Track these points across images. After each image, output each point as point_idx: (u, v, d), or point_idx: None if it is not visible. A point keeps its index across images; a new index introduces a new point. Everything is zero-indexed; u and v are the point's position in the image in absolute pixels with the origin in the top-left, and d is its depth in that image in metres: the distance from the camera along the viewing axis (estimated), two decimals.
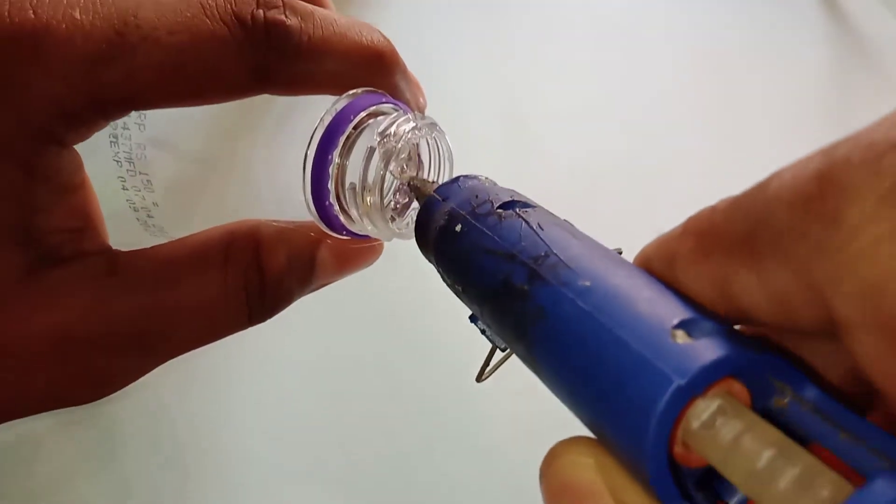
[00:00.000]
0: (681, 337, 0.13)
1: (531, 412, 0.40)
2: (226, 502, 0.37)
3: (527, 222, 0.19)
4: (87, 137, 0.17)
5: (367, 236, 0.21)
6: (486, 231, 0.20)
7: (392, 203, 0.21)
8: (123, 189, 0.22)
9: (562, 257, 0.17)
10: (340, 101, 0.19)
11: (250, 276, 0.19)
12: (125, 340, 0.18)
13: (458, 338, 0.44)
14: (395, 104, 0.20)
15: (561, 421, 0.40)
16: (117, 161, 0.21)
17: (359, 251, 0.22)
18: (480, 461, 0.39)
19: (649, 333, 0.14)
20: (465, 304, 0.22)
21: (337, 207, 0.20)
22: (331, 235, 0.20)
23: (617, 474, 0.14)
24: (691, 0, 0.61)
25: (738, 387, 0.13)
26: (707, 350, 0.13)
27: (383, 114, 0.20)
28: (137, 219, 0.22)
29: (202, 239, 0.19)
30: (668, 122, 0.53)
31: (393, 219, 0.21)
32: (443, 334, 0.42)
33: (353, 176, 0.19)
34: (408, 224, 0.21)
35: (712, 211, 0.16)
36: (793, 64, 0.58)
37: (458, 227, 0.20)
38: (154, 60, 0.16)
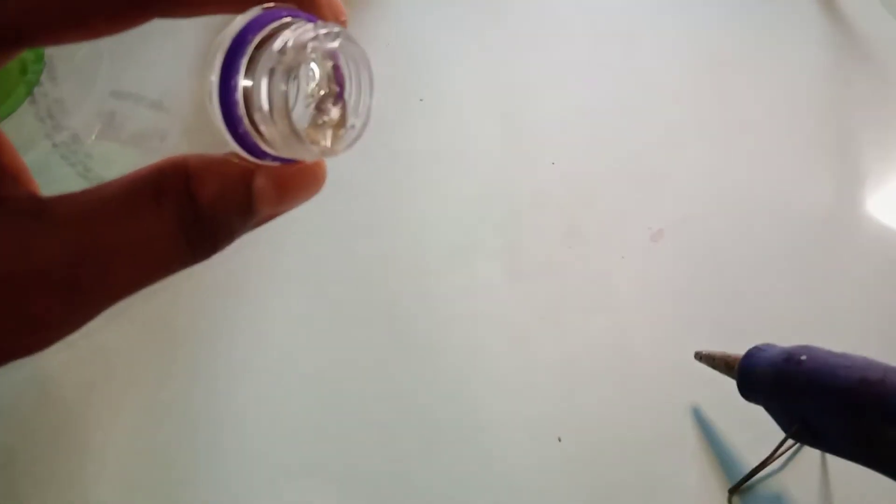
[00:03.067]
0: None
1: (531, 412, 0.40)
2: (226, 501, 0.37)
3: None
4: None
5: (295, 160, 0.21)
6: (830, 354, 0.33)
7: (312, 119, 0.21)
8: (54, 146, 0.21)
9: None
10: (237, 22, 0.18)
11: (183, 208, 0.19)
12: (57, 282, 0.17)
13: (459, 339, 0.44)
14: (302, 16, 0.20)
15: (560, 420, 0.40)
16: (40, 119, 0.21)
17: (298, 177, 0.21)
18: (480, 461, 0.39)
19: None
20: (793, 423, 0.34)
21: (253, 133, 0.19)
22: (259, 163, 0.20)
23: None
24: (690, 1, 0.61)
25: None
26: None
27: (288, 27, 0.19)
28: (78, 174, 0.22)
29: (131, 177, 0.19)
30: (666, 123, 0.53)
31: (315, 139, 0.20)
32: (443, 335, 0.42)
33: (259, 99, 0.18)
34: (332, 138, 0.21)
35: None
36: (791, 64, 0.58)
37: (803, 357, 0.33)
38: None
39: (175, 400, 0.39)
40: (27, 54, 0.39)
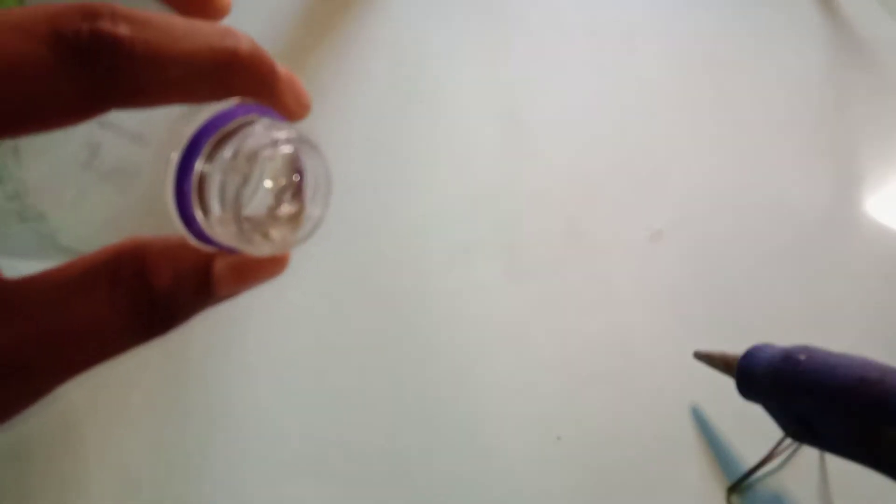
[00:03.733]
0: None
1: (531, 411, 0.40)
2: (226, 499, 0.37)
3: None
4: None
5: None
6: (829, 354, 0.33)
7: (269, 210, 0.21)
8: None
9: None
10: (195, 121, 0.19)
11: (138, 295, 0.19)
12: (10, 370, 0.18)
13: (459, 338, 0.44)
14: (261, 112, 0.20)
15: (560, 419, 0.40)
16: None
17: (259, 263, 0.22)
18: (480, 459, 0.39)
19: None
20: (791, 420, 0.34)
21: (209, 230, 0.19)
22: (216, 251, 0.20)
23: None
24: (689, 1, 0.61)
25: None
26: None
27: (246, 125, 0.19)
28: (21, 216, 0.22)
29: (88, 261, 0.19)
30: (666, 124, 0.53)
31: (266, 234, 0.21)
32: (443, 335, 0.42)
33: (212, 203, 0.19)
34: (288, 229, 0.22)
35: None
36: (790, 65, 0.58)
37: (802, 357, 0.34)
38: None
39: (175, 400, 0.39)
40: None
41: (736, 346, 0.37)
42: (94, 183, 0.23)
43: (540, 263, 0.45)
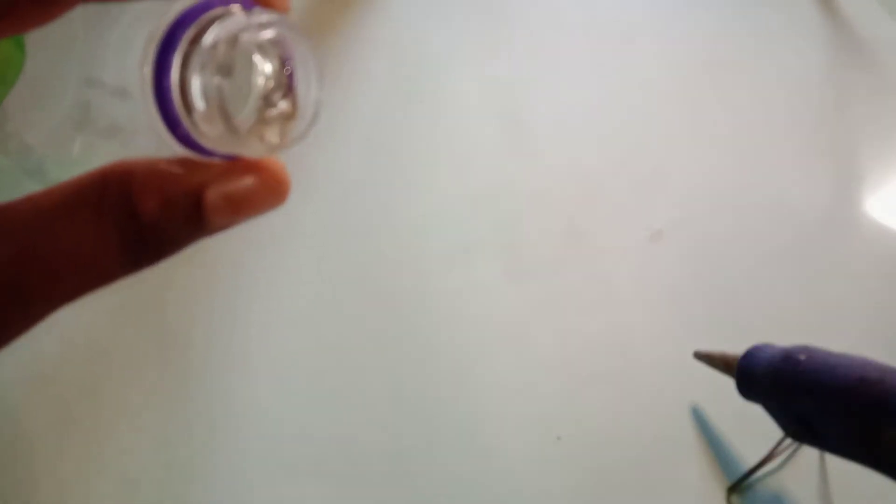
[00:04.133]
0: None
1: (531, 411, 0.40)
2: (226, 499, 0.37)
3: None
4: None
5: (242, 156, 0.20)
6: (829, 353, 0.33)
7: (259, 113, 0.20)
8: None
9: None
10: (168, 15, 0.18)
11: (124, 222, 0.18)
12: (2, 289, 0.18)
13: (459, 338, 0.44)
14: (239, 3, 0.19)
15: (560, 419, 0.40)
16: None
17: (256, 190, 0.20)
18: (480, 459, 0.39)
19: None
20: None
21: (194, 132, 0.18)
22: (208, 161, 0.19)
23: None
24: (688, 1, 0.61)
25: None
26: None
27: (224, 17, 0.18)
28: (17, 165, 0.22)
29: (74, 184, 0.19)
30: (666, 124, 0.53)
31: (262, 138, 0.20)
32: (443, 334, 0.42)
33: (194, 99, 0.18)
34: (280, 132, 0.20)
35: None
36: (790, 64, 0.58)
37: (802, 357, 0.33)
38: None
39: (175, 400, 0.39)
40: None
41: (736, 346, 0.37)
42: (96, 140, 0.23)
43: (540, 263, 0.45)
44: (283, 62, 0.19)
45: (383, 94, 0.50)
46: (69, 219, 0.18)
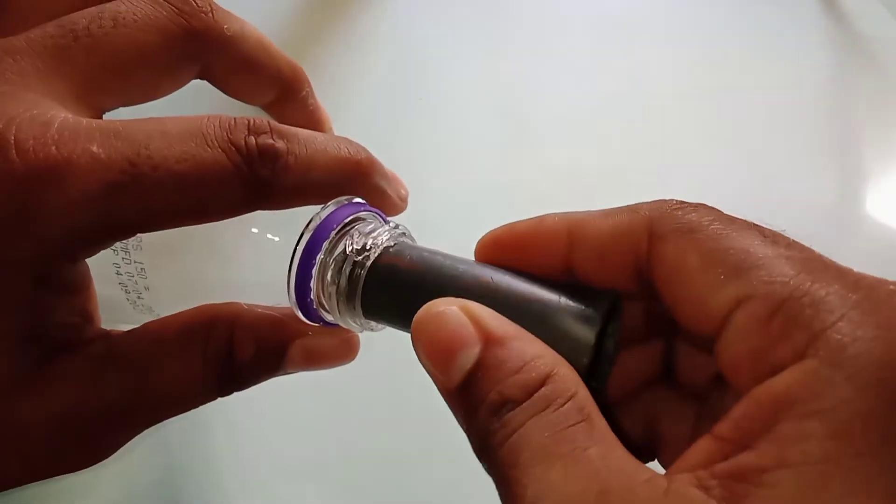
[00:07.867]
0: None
1: None
2: (226, 500, 0.37)
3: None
4: (96, 253, 0.19)
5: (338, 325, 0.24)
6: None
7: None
8: (117, 274, 0.24)
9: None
10: (325, 210, 0.22)
11: (223, 365, 0.22)
12: (116, 416, 0.20)
13: None
14: (372, 211, 0.24)
15: None
16: (113, 249, 0.23)
17: (330, 351, 0.24)
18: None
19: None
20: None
21: (317, 303, 0.22)
22: (307, 324, 0.23)
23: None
24: (691, 1, 0.61)
25: None
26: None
27: (361, 220, 0.23)
28: (128, 299, 0.24)
29: (186, 322, 0.22)
30: (667, 123, 0.53)
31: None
32: None
33: (331, 278, 0.22)
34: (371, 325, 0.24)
35: None
36: (792, 64, 0.58)
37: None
38: (163, 188, 0.18)
39: None
40: None
41: None
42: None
43: None
44: None
45: (383, 94, 0.50)
46: (180, 356, 0.21)
